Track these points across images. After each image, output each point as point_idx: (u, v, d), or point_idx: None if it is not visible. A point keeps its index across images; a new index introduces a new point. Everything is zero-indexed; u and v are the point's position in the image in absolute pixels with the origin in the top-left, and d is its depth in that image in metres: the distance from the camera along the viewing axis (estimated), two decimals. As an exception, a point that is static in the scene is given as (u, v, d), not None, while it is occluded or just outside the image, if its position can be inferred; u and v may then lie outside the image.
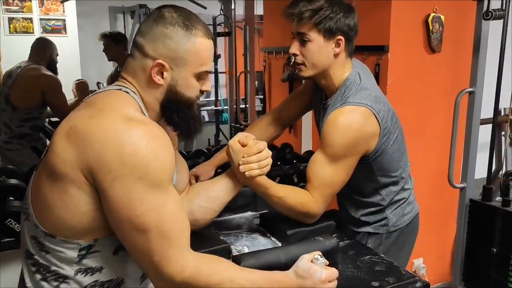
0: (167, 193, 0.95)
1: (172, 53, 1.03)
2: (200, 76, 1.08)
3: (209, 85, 1.13)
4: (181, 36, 1.03)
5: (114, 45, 3.58)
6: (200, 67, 1.07)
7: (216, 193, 1.33)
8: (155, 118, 1.09)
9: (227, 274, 1.00)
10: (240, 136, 1.30)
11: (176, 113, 1.08)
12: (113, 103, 0.99)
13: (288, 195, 1.40)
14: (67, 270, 0.99)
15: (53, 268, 1.00)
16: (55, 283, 1.00)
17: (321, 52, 1.44)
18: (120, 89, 1.04)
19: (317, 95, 1.66)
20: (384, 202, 1.57)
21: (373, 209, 1.59)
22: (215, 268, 1.00)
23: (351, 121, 1.39)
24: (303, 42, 1.44)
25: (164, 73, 1.04)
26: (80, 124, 0.94)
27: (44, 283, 1.00)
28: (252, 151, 1.28)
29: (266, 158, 1.29)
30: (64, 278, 1.00)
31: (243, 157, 1.27)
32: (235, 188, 1.34)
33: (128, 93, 1.03)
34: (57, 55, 3.26)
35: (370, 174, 1.52)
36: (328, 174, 1.41)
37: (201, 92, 1.11)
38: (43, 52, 3.12)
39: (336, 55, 1.45)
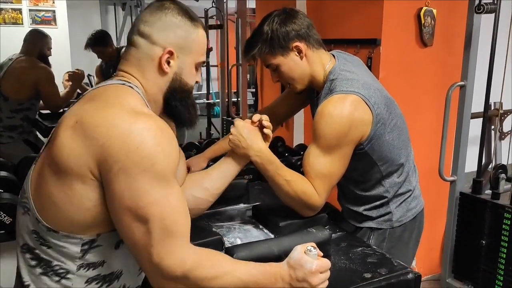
0: (171, 186, 0.95)
1: (181, 41, 1.07)
2: (198, 66, 1.13)
3: (200, 76, 1.18)
4: (189, 26, 1.08)
5: (105, 47, 3.56)
6: (200, 57, 1.12)
7: (210, 184, 1.35)
8: (156, 111, 1.11)
9: (225, 267, 1.00)
10: (237, 119, 1.40)
11: (179, 102, 1.11)
12: (118, 97, 0.99)
13: (296, 181, 1.41)
14: (70, 265, 0.99)
15: (55, 262, 0.99)
16: (56, 278, 0.99)
17: (291, 67, 1.48)
18: (123, 84, 1.04)
19: (311, 91, 1.67)
20: (388, 195, 1.54)
21: (377, 203, 1.55)
22: (214, 261, 0.99)
23: (341, 110, 1.38)
24: (274, 70, 1.50)
25: (171, 61, 1.07)
26: (87, 118, 0.93)
27: (44, 278, 0.99)
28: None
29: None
30: (66, 273, 0.99)
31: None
32: (229, 176, 1.37)
33: (132, 87, 1.03)
34: (50, 48, 3.22)
35: (371, 165, 1.49)
36: (324, 166, 1.40)
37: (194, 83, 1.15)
38: (34, 45, 3.09)
39: (303, 58, 1.48)
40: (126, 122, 0.91)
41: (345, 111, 1.38)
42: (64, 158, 0.92)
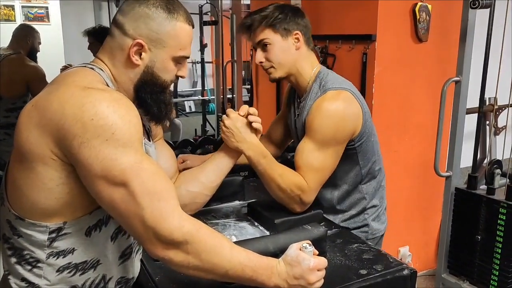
0: (140, 154, 0.92)
1: (153, 34, 1.03)
2: (178, 61, 1.09)
3: (185, 71, 1.13)
4: (163, 18, 1.04)
5: (99, 43, 3.50)
6: (179, 51, 1.07)
7: (206, 177, 1.34)
8: None
9: (225, 242, 0.97)
10: (230, 110, 1.39)
11: (149, 95, 1.07)
12: (73, 77, 0.97)
13: (287, 175, 1.41)
14: (39, 254, 0.98)
15: (26, 251, 0.99)
16: (28, 267, 0.99)
17: (283, 50, 1.49)
18: (85, 66, 1.03)
19: (291, 97, 1.68)
20: (365, 201, 1.57)
21: (353, 212, 1.58)
22: (213, 232, 0.97)
23: (337, 105, 1.42)
24: (264, 47, 1.50)
25: (143, 53, 1.04)
26: (41, 100, 0.93)
27: (18, 267, 1.00)
28: (254, 110, 1.37)
29: None
30: (36, 262, 0.98)
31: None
32: (225, 169, 1.37)
33: (93, 69, 1.02)
34: (40, 43, 3.20)
35: (354, 164, 1.53)
36: (317, 160, 1.41)
37: (177, 77, 1.12)
38: (25, 39, 3.07)
39: (298, 49, 1.50)
40: (78, 97, 0.89)
41: (341, 106, 1.43)
42: (23, 142, 0.92)
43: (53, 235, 0.97)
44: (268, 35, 1.48)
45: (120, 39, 1.04)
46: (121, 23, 1.04)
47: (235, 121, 1.36)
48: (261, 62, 1.52)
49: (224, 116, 1.39)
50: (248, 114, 1.36)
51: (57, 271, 0.99)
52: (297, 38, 1.49)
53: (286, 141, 1.86)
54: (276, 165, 1.42)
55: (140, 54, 1.04)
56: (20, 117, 0.95)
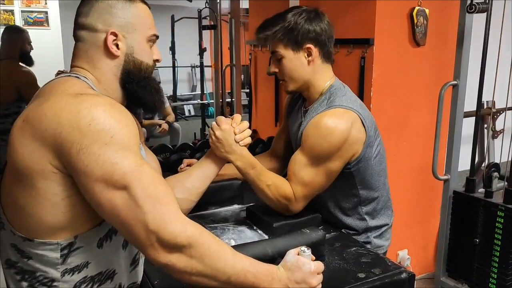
0: (140, 157, 0.90)
1: (121, 20, 1.05)
2: (151, 41, 1.10)
3: (159, 53, 1.14)
4: (123, 3, 1.06)
5: None
6: (149, 30, 1.09)
7: (191, 183, 1.34)
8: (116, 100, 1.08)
9: (228, 247, 0.96)
10: (221, 118, 1.37)
11: (136, 84, 1.08)
12: (62, 87, 0.96)
13: (276, 185, 1.42)
14: (53, 273, 0.96)
15: (39, 273, 0.96)
16: None
17: (295, 65, 1.45)
18: (69, 76, 1.03)
19: (296, 104, 1.65)
20: (365, 223, 1.54)
21: (354, 231, 1.55)
22: (215, 237, 0.95)
23: (338, 124, 1.37)
24: (278, 60, 1.47)
25: (119, 43, 1.05)
26: (32, 113, 0.91)
27: None
28: (245, 125, 1.37)
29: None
30: (51, 282, 0.96)
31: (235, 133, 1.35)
32: (211, 175, 1.37)
33: (78, 77, 1.02)
34: (30, 43, 3.16)
35: (351, 187, 1.49)
36: (308, 175, 1.41)
37: (154, 62, 1.13)
38: (13, 44, 3.05)
39: (310, 63, 1.45)
40: (72, 104, 0.88)
41: (342, 126, 1.37)
42: (20, 159, 0.89)
43: (65, 251, 0.95)
44: (279, 49, 1.45)
45: (92, 38, 1.04)
46: (87, 23, 1.04)
47: (226, 134, 1.34)
48: (274, 73, 1.50)
49: (214, 124, 1.37)
50: (236, 131, 1.35)
51: (74, 287, 0.97)
52: (310, 52, 1.43)
53: (290, 155, 1.76)
54: (265, 176, 1.41)
55: (117, 45, 1.05)
56: (12, 135, 0.91)
